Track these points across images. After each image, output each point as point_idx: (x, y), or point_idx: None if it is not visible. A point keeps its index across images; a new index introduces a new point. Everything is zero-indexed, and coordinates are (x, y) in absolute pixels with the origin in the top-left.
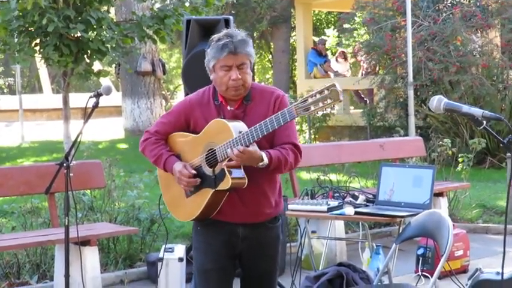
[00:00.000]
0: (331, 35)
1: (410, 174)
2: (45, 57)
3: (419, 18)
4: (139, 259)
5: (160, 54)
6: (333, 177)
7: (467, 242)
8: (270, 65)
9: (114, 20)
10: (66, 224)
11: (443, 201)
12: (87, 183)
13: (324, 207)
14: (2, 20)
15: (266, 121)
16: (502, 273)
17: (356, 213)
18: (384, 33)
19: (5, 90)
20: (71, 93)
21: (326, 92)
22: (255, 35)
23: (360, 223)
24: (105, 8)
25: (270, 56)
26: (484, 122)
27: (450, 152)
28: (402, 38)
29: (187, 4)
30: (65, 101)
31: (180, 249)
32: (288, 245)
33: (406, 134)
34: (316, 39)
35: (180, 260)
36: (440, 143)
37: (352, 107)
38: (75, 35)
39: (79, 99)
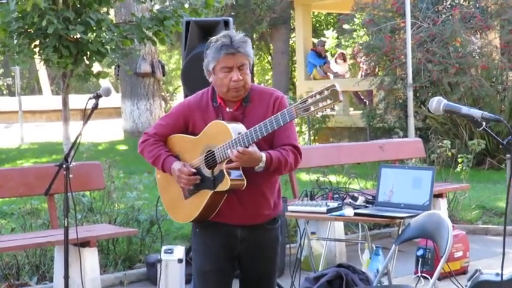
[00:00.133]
0: (330, 37)
1: (409, 175)
2: (44, 59)
3: (419, 20)
4: (139, 260)
5: (159, 56)
6: (333, 178)
7: (467, 243)
8: (269, 67)
9: (114, 22)
10: (66, 225)
11: (443, 203)
12: (86, 184)
13: (324, 209)
14: (1, 22)
15: (266, 122)
16: (502, 274)
17: (355, 214)
18: (383, 35)
19: (5, 92)
20: (71, 95)
21: (326, 92)
22: (254, 36)
23: (360, 224)
24: (105, 9)
25: (270, 58)
26: (484, 123)
27: (450, 153)
28: (401, 40)
29: (186, 6)
30: (65, 103)
31: (179, 251)
32: (288, 246)
33: (406, 136)
34: (316, 40)
35: (180, 261)
36: (440, 144)
37: (351, 109)
38: (75, 37)
39: (78, 101)
